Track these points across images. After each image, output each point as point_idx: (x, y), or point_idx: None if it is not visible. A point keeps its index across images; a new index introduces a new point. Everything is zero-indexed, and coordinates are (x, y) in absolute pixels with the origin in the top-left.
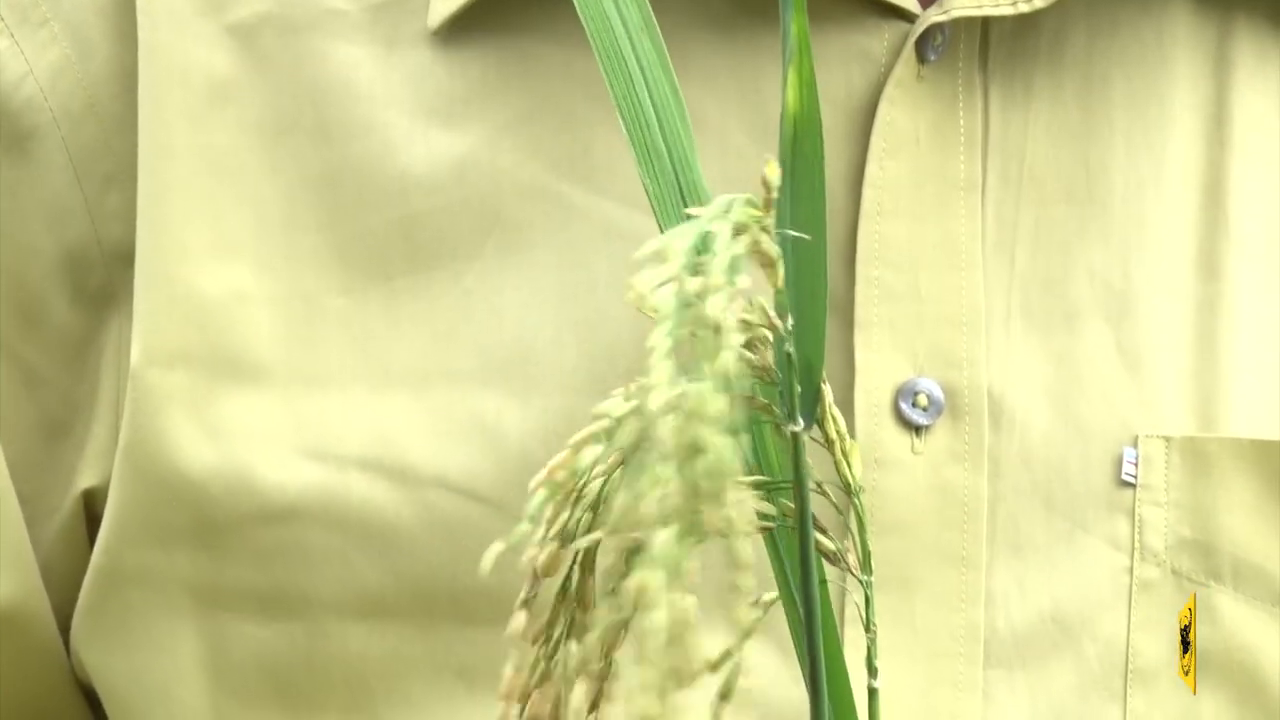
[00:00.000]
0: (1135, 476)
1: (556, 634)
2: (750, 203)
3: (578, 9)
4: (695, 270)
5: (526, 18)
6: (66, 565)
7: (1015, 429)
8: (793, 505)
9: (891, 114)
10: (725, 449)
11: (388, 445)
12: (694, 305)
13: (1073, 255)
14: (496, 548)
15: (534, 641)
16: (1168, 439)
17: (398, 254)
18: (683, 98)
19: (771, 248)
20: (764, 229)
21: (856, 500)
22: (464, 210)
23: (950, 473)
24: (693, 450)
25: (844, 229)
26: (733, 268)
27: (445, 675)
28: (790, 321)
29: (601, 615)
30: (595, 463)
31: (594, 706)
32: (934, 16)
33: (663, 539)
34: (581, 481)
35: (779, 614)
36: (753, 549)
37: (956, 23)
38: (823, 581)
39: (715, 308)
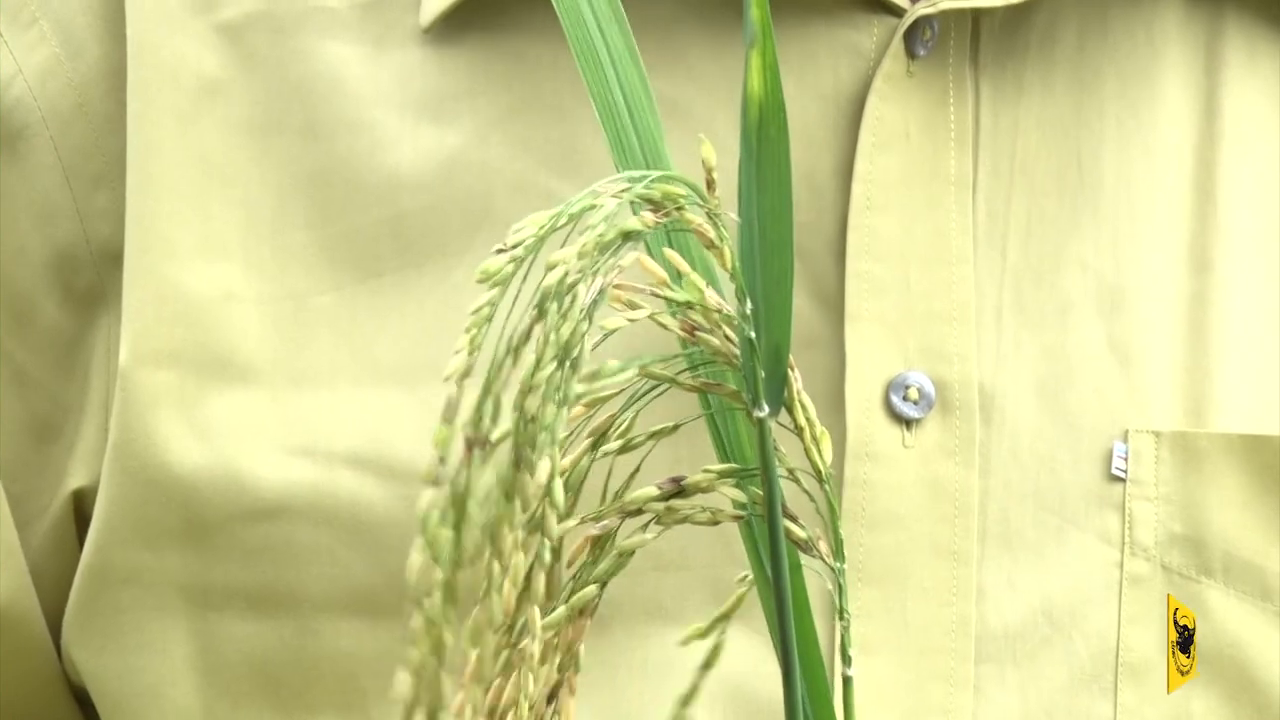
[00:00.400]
0: (1125, 471)
1: (519, 624)
2: (672, 179)
3: (553, 2)
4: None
5: (515, 16)
6: (56, 566)
7: (1006, 423)
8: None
9: (881, 109)
10: (548, 418)
11: (377, 442)
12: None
13: (1064, 249)
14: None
15: (495, 630)
16: (1158, 434)
17: (387, 251)
18: (650, 88)
19: (708, 229)
20: (708, 212)
21: (827, 487)
22: (453, 207)
23: (941, 467)
24: (527, 418)
25: (834, 223)
26: (612, 239)
27: None
28: (750, 306)
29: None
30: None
31: (553, 696)
32: (922, 10)
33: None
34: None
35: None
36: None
37: (946, 17)
38: (797, 568)
39: (556, 274)
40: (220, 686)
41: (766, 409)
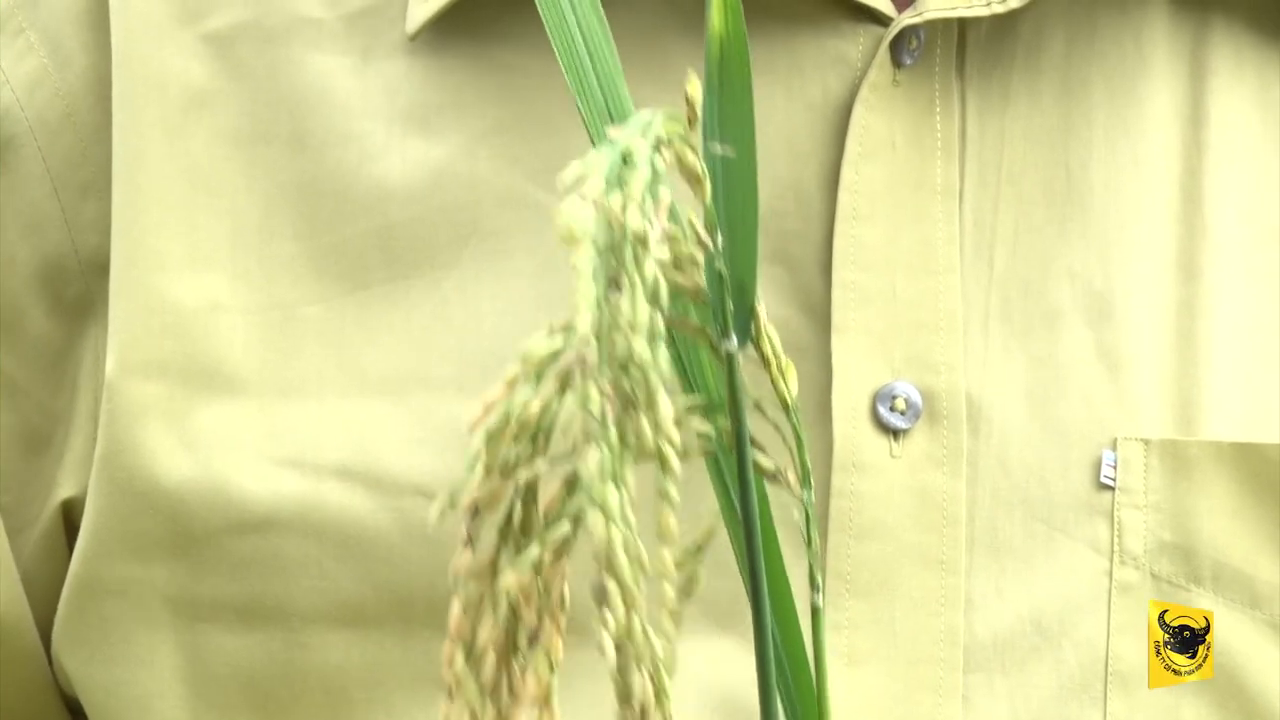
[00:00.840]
0: (1114, 479)
1: (519, 564)
2: (673, 117)
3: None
4: (618, 187)
5: (503, 27)
6: (47, 575)
7: (994, 433)
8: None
9: (867, 118)
10: (654, 358)
11: (364, 454)
12: (616, 222)
13: (1052, 258)
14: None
15: (479, 578)
16: (1147, 442)
17: (375, 263)
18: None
19: (696, 163)
20: (690, 146)
21: (794, 418)
22: (441, 218)
23: (928, 477)
24: (623, 363)
25: (821, 233)
26: (654, 181)
27: (425, 684)
28: (720, 239)
29: (544, 537)
30: (531, 397)
31: (534, 639)
32: (908, 19)
33: (598, 456)
34: (517, 416)
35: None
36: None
37: (933, 26)
38: (764, 501)
39: (635, 220)
40: (208, 699)
41: (735, 341)
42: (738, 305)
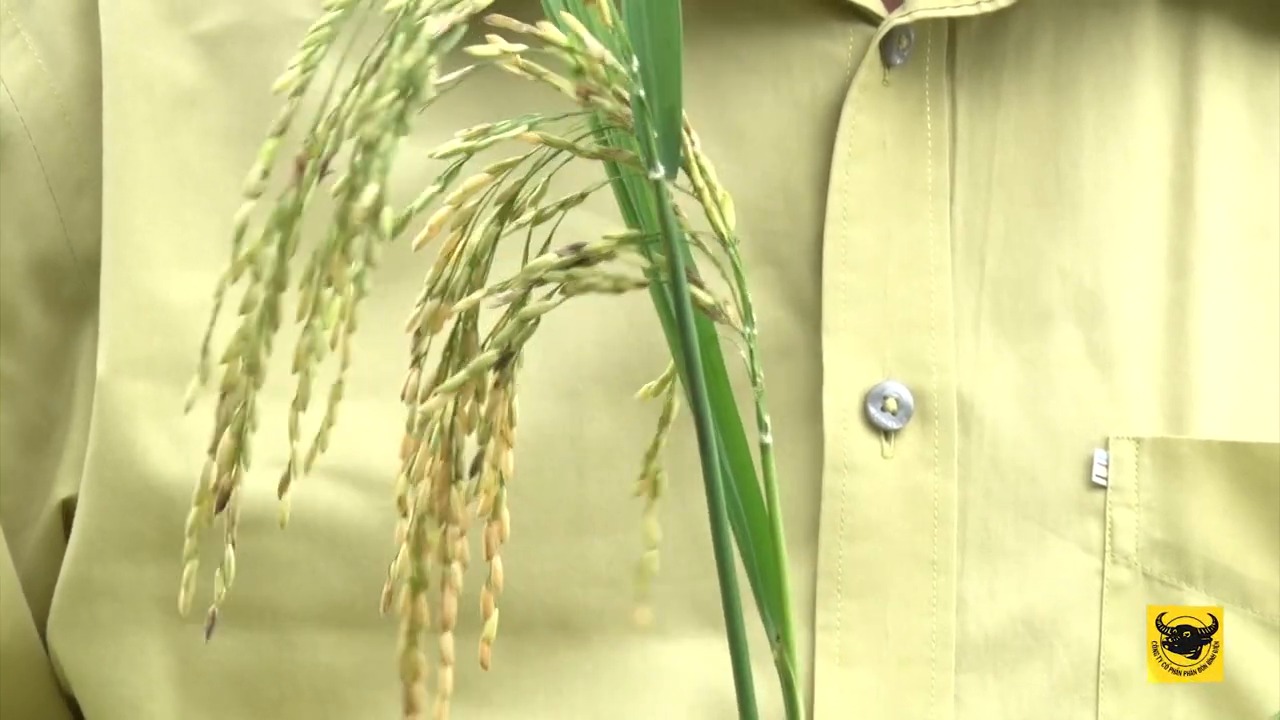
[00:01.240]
0: (1106, 479)
1: (445, 388)
2: None
3: None
4: None
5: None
6: (46, 575)
7: (985, 432)
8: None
9: (857, 118)
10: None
11: (354, 455)
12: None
13: (1043, 257)
14: None
15: (423, 400)
16: (1138, 440)
17: None
18: None
19: None
20: None
21: (732, 250)
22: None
23: (920, 477)
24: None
25: (811, 233)
26: None
27: None
28: (636, 64)
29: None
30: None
31: (476, 469)
32: (898, 18)
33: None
34: (461, 242)
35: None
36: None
37: (922, 26)
38: (712, 339)
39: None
40: (199, 699)
41: (662, 170)
42: (664, 133)
